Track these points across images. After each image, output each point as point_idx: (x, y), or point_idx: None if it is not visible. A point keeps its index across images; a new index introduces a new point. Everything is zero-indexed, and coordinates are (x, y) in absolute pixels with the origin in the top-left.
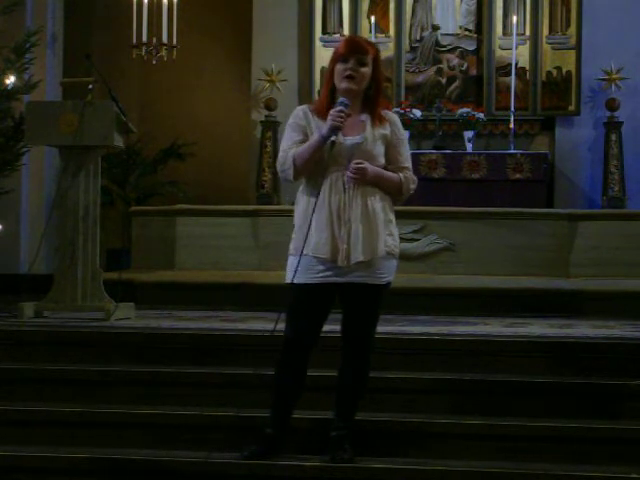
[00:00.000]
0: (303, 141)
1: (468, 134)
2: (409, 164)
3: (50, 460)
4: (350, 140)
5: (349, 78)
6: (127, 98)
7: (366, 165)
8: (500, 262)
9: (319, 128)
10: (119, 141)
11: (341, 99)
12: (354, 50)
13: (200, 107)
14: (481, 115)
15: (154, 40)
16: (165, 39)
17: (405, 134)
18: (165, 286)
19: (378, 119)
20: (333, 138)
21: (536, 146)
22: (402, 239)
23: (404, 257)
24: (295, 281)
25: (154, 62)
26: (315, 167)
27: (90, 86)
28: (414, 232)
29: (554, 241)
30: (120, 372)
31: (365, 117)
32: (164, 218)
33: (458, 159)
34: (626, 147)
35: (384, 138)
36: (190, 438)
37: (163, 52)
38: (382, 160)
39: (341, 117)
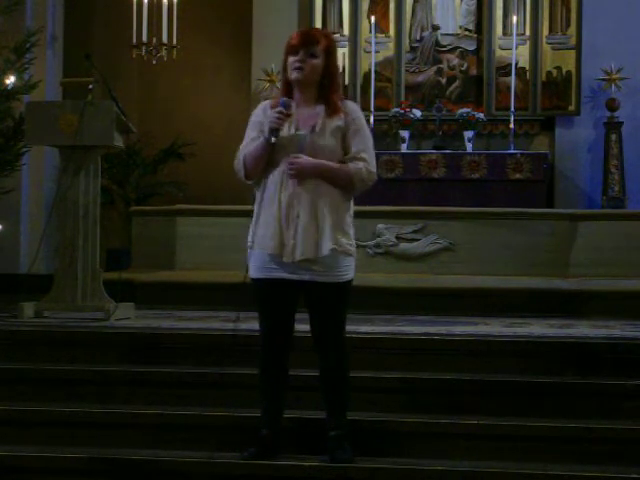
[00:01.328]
0: (258, 138)
1: (468, 134)
2: (367, 155)
3: (50, 460)
4: (300, 134)
5: (297, 69)
6: (127, 98)
7: (302, 159)
8: (500, 262)
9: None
10: (119, 141)
11: (282, 99)
12: (303, 42)
13: (200, 107)
14: (481, 115)
15: (154, 40)
16: (165, 39)
17: (365, 124)
18: (165, 286)
19: (333, 110)
20: (273, 140)
21: (536, 146)
22: (402, 239)
23: (404, 257)
24: (252, 276)
25: (154, 62)
26: (268, 163)
27: (90, 86)
28: (414, 232)
29: (554, 241)
30: (120, 372)
31: (320, 109)
32: (164, 218)
33: (458, 159)
34: (626, 147)
35: (337, 129)
36: (190, 438)
37: (163, 52)
38: (338, 152)
39: (279, 118)
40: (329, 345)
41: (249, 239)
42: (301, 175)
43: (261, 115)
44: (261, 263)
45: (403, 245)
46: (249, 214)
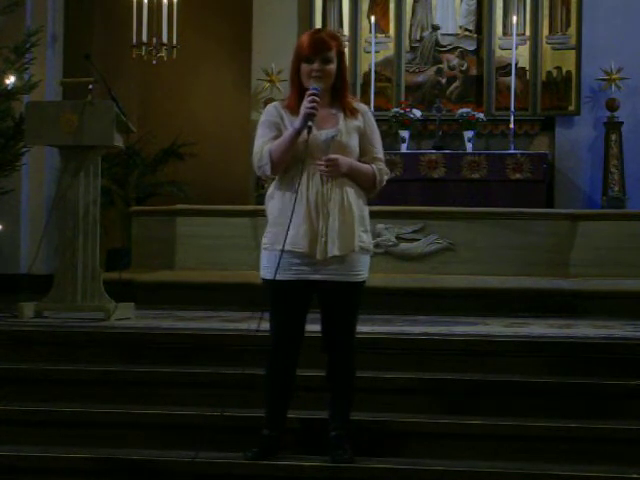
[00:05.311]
0: (277, 137)
1: (468, 134)
2: (382, 155)
3: (50, 460)
4: (325, 133)
5: (317, 79)
6: (127, 98)
7: (338, 157)
8: (500, 262)
9: (293, 123)
10: (119, 141)
11: (312, 87)
12: (318, 50)
13: (200, 107)
14: (481, 115)
15: (154, 40)
16: (165, 39)
17: (376, 124)
18: (165, 286)
19: (349, 111)
20: (310, 124)
21: (536, 146)
22: (402, 239)
23: (404, 257)
24: (270, 277)
25: (154, 62)
26: (291, 161)
27: (90, 86)
28: (414, 232)
29: (554, 241)
30: (120, 372)
31: (336, 110)
32: (164, 218)
33: (458, 159)
34: (626, 147)
35: (357, 129)
36: (190, 438)
37: (163, 52)
38: (357, 152)
39: (314, 102)
40: (340, 345)
41: (266, 240)
42: (337, 173)
43: (276, 115)
44: (285, 264)
45: (403, 245)
46: (249, 214)
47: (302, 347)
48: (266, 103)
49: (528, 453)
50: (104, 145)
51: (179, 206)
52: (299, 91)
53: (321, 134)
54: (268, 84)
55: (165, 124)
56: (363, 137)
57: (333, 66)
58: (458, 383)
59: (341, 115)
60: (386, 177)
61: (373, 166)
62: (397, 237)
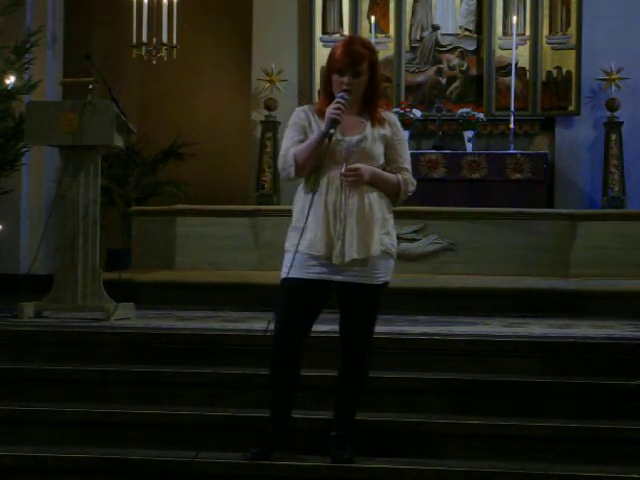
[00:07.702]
0: (304, 140)
1: (468, 134)
2: (409, 165)
3: (50, 460)
4: (349, 139)
5: (346, 92)
6: (127, 98)
7: (361, 166)
8: (500, 262)
9: (319, 127)
10: (119, 141)
11: (340, 94)
12: (349, 64)
13: (200, 107)
14: (481, 115)
15: (154, 40)
16: (165, 39)
17: (405, 135)
18: (165, 286)
19: (378, 119)
20: (332, 131)
21: (536, 146)
22: (402, 239)
23: (404, 257)
24: (287, 276)
25: (154, 62)
26: (315, 165)
27: (90, 86)
28: (414, 232)
29: (554, 241)
30: (120, 372)
31: (364, 118)
32: (164, 218)
33: (458, 159)
34: (626, 147)
35: (384, 138)
36: (190, 438)
37: (163, 52)
38: (382, 160)
39: (339, 109)
40: (356, 347)
41: (287, 243)
42: (360, 182)
43: (304, 118)
44: (304, 265)
45: (403, 245)
46: (249, 214)
47: (306, 347)
48: (266, 103)
49: (528, 453)
50: (104, 145)
51: (179, 206)
52: (329, 97)
53: (345, 140)
54: (268, 84)
55: (165, 124)
56: (389, 146)
57: (364, 78)
58: (458, 383)
59: (368, 123)
60: (412, 188)
61: (398, 176)
62: (397, 237)
